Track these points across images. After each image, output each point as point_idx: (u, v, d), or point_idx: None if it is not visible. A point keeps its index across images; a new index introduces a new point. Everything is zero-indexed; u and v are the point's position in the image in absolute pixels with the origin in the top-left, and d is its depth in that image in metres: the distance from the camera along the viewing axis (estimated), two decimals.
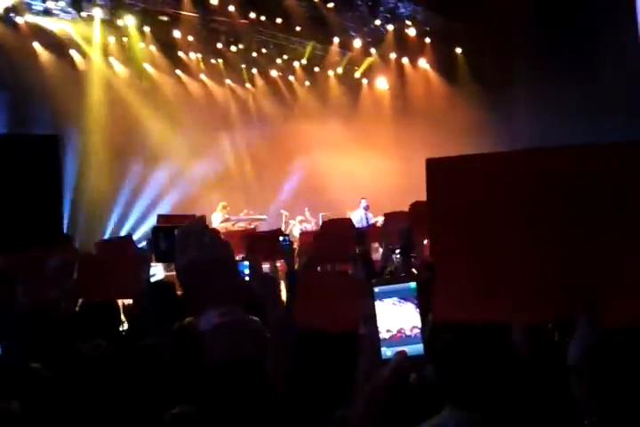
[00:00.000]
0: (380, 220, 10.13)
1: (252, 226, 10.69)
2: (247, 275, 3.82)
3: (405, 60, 14.59)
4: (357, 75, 14.77)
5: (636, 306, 1.46)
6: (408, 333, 1.68)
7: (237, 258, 3.93)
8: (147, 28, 12.21)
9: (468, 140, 12.13)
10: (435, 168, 1.51)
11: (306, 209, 11.96)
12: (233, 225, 10.82)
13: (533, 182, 1.43)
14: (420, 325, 1.63)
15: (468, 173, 1.50)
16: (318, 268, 5.07)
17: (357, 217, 10.75)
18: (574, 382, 1.48)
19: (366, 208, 11.00)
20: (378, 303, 1.70)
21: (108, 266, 3.90)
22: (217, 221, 10.90)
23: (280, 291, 3.37)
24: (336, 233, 5.79)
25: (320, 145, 13.08)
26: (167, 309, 3.15)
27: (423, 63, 14.58)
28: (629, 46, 12.92)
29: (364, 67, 14.55)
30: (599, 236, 1.44)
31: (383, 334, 1.66)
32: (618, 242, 1.43)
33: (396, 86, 14.57)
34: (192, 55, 13.09)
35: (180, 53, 12.93)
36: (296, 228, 11.08)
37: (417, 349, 1.68)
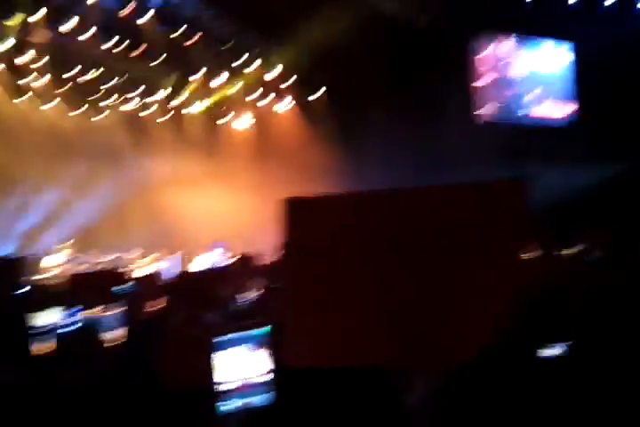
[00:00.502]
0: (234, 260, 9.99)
1: (99, 267, 10.10)
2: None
3: (267, 100, 14.77)
4: (215, 110, 14.58)
5: (471, 344, 1.48)
6: (258, 381, 1.60)
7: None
8: None
9: (325, 180, 12.47)
10: (292, 207, 1.52)
11: (159, 249, 11.48)
12: (77, 266, 10.15)
13: (385, 224, 1.48)
14: (269, 373, 1.55)
15: (324, 213, 1.54)
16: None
17: (211, 258, 10.53)
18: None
19: (219, 249, 10.80)
20: (227, 352, 1.60)
21: None
22: (60, 261, 10.17)
23: None
24: (193, 278, 5.61)
25: (177, 182, 12.74)
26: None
27: (283, 104, 14.84)
28: (467, 106, 14.19)
29: (215, 98, 14.35)
30: (434, 280, 1.46)
31: (227, 386, 1.57)
32: (450, 287, 1.45)
33: (256, 125, 14.68)
34: (40, 81, 12.26)
35: (27, 79, 12.07)
36: (148, 268, 10.56)
37: (265, 398, 1.59)
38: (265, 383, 1.56)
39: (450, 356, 1.47)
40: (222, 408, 1.55)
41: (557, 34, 14.78)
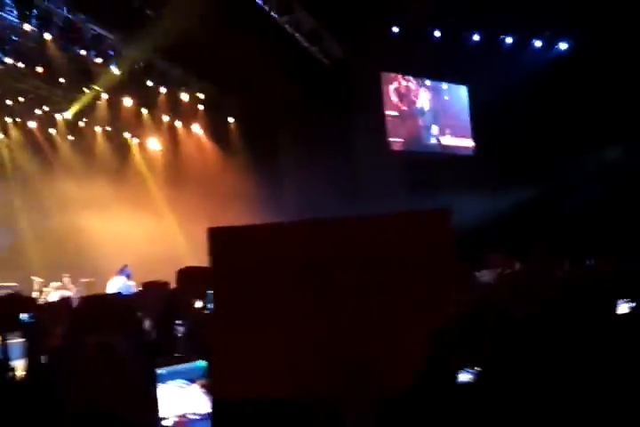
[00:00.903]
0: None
1: (3, 293, 9.32)
2: None
3: (178, 124, 14.53)
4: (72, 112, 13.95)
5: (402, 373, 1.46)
6: (194, 416, 1.55)
7: None
8: None
9: (239, 206, 12.35)
10: (216, 237, 1.49)
11: (65, 275, 10.82)
12: None
13: (310, 252, 1.48)
14: (207, 406, 1.51)
15: (248, 243, 1.52)
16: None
17: (119, 284, 10.06)
18: None
19: (128, 276, 10.35)
20: (162, 387, 1.53)
21: None
22: None
23: None
24: (98, 301, 5.27)
25: (83, 204, 12.15)
26: None
27: (196, 128, 14.67)
28: (378, 136, 14.70)
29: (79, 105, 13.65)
30: (365, 308, 1.50)
31: (167, 420, 1.51)
32: (381, 315, 1.49)
33: (169, 148, 14.39)
34: None
35: None
36: (52, 295, 9.91)
37: None
38: (202, 418, 1.53)
39: (383, 384, 1.47)
40: None
41: (454, 76, 15.76)
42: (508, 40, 15.09)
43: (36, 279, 10.57)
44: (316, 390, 1.52)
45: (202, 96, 14.13)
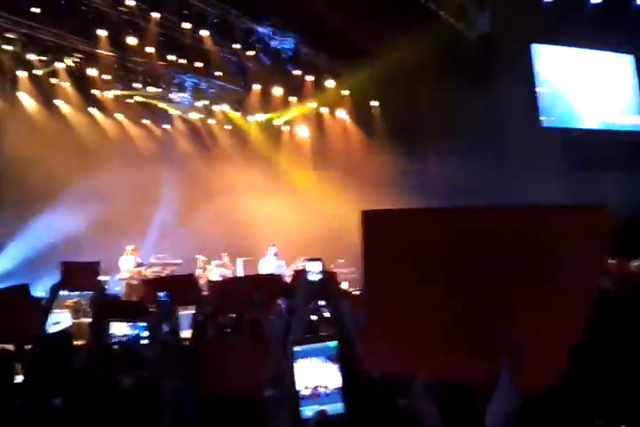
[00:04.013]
0: (299, 265, 10.02)
1: (167, 271, 10.27)
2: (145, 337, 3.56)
3: (325, 110, 14.89)
4: (280, 122, 14.86)
5: (545, 369, 1.44)
6: (328, 392, 1.64)
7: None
8: (60, 65, 11.80)
9: (385, 189, 12.40)
10: (370, 220, 1.50)
11: (224, 254, 11.60)
12: (146, 269, 10.34)
13: (466, 240, 1.45)
14: (340, 384, 1.60)
15: (402, 227, 1.52)
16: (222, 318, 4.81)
17: (269, 264, 10.58)
18: None
19: (275, 255, 10.85)
20: (298, 363, 1.64)
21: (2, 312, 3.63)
22: (129, 265, 10.37)
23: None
24: (244, 281, 5.61)
25: (240, 189, 12.91)
26: (60, 360, 2.99)
27: (342, 114, 14.93)
28: (531, 114, 13.94)
29: (286, 116, 14.66)
30: (520, 296, 1.42)
31: (303, 393, 1.61)
32: (536, 303, 1.42)
33: (316, 135, 14.79)
34: (108, 94, 12.73)
35: (95, 91, 12.55)
36: (213, 273, 10.70)
37: (337, 408, 1.64)
38: (336, 393, 1.63)
39: (522, 381, 1.44)
40: (299, 415, 1.63)
41: (617, 45, 14.43)
42: None
43: (200, 258, 11.40)
44: (455, 375, 1.54)
45: (345, 81, 14.32)
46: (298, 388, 1.59)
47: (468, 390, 1.87)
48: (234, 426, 2.56)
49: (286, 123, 14.89)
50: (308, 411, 1.62)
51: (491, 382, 1.43)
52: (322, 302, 4.92)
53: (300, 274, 7.34)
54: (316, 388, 1.62)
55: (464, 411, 2.03)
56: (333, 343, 1.68)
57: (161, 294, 5.18)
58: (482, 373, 1.45)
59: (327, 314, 4.70)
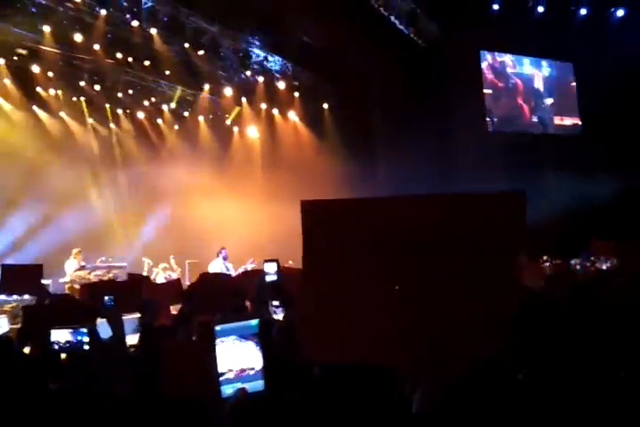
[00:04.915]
0: (248, 267, 10.00)
1: (111, 274, 10.06)
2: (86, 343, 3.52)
3: (275, 111, 14.88)
4: (228, 122, 14.78)
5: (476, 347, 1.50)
6: (248, 370, 1.70)
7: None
8: (1, 61, 11.39)
9: (335, 189, 12.48)
10: (308, 209, 1.57)
11: (171, 257, 11.46)
12: (89, 273, 10.10)
13: (399, 228, 1.51)
14: (260, 362, 1.66)
15: (337, 216, 1.59)
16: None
17: (218, 265, 10.52)
18: None
19: (225, 258, 10.80)
20: (219, 342, 1.71)
21: None
22: (71, 268, 10.11)
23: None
24: (216, 284, 5.61)
25: (188, 190, 12.77)
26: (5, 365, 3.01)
27: (292, 115, 14.95)
28: (476, 104, 14.32)
29: (233, 115, 14.60)
30: (448, 279, 1.50)
31: (224, 373, 1.67)
32: (463, 283, 1.51)
33: (266, 136, 14.77)
34: (51, 91, 12.36)
35: (39, 89, 12.18)
36: (160, 276, 10.56)
37: (257, 385, 1.70)
38: (256, 371, 1.69)
39: (457, 364, 1.50)
40: (221, 394, 1.68)
41: (559, 53, 14.99)
42: (619, 13, 14.15)
43: (147, 261, 11.24)
44: (394, 362, 1.59)
45: (297, 83, 14.35)
46: (219, 367, 1.65)
47: (396, 376, 1.95)
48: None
49: (236, 123, 14.80)
50: (228, 389, 1.66)
51: (419, 367, 1.50)
52: (275, 303, 4.97)
53: (249, 275, 7.34)
54: (236, 367, 1.68)
55: (391, 397, 2.10)
56: (254, 322, 1.73)
57: (106, 298, 5.09)
58: (411, 358, 1.51)
59: (279, 315, 4.75)
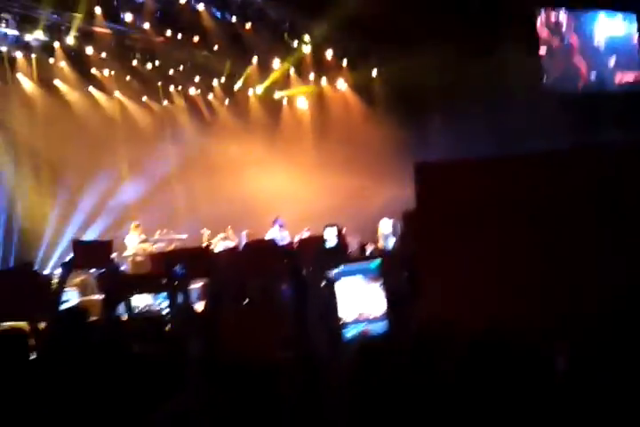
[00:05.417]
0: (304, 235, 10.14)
1: (173, 246, 10.39)
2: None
3: (324, 81, 14.78)
4: (280, 95, 14.78)
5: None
6: (370, 312, 1.69)
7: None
8: (57, 44, 11.73)
9: (385, 158, 12.40)
10: (421, 171, 1.54)
11: (228, 227, 11.74)
12: (152, 245, 10.47)
13: (516, 187, 1.43)
14: (383, 304, 1.63)
15: (453, 177, 1.52)
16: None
17: (274, 234, 10.70)
18: None
19: (281, 225, 10.97)
20: (342, 282, 1.71)
21: (14, 291, 3.75)
22: (134, 242, 10.50)
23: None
24: (263, 249, 5.71)
25: (241, 163, 12.94)
26: (78, 335, 3.08)
27: (341, 84, 14.82)
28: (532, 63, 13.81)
29: (274, 81, 14.48)
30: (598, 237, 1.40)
31: (347, 314, 1.67)
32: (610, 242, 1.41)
33: (316, 106, 14.71)
34: (105, 72, 12.68)
35: (93, 70, 12.51)
36: (219, 246, 10.83)
37: (380, 327, 1.68)
38: (379, 313, 1.67)
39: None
40: (345, 336, 1.68)
41: (619, 4, 14.21)
42: None
43: (205, 232, 11.54)
44: (516, 325, 1.55)
45: (344, 51, 14.17)
46: (340, 308, 1.63)
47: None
48: (250, 391, 2.69)
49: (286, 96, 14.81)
50: (351, 331, 1.65)
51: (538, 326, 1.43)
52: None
53: (307, 242, 7.47)
54: (359, 308, 1.65)
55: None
56: (374, 263, 1.71)
57: (177, 266, 5.32)
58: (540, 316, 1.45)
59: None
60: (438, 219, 1.55)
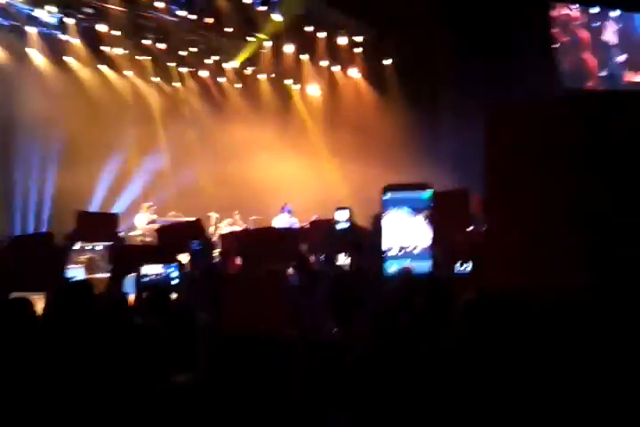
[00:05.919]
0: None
1: None
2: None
3: (336, 69, 14.65)
4: (288, 81, 14.68)
5: None
6: (416, 247, 1.58)
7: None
8: (70, 20, 11.64)
9: (395, 148, 12.33)
10: (492, 114, 1.44)
11: (236, 212, 11.68)
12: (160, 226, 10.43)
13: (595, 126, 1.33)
14: (428, 239, 1.52)
15: (525, 119, 1.43)
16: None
17: (282, 221, 10.66)
18: None
19: (289, 212, 10.93)
20: (388, 212, 1.57)
21: (24, 261, 3.74)
22: (142, 222, 10.49)
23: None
24: (280, 235, 5.67)
25: (251, 148, 12.84)
26: (84, 307, 3.02)
27: (354, 72, 14.70)
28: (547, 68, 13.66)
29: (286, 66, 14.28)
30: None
31: (390, 247, 1.54)
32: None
33: (327, 94, 14.61)
34: (117, 50, 12.58)
35: (105, 48, 12.41)
36: (225, 230, 10.80)
37: (424, 265, 1.56)
38: (423, 249, 1.56)
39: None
40: (386, 270, 1.59)
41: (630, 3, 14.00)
42: None
43: (213, 215, 11.48)
44: (573, 284, 1.46)
45: (359, 40, 14.03)
46: (384, 241, 1.52)
47: None
48: (251, 363, 2.64)
49: (297, 80, 14.65)
50: (392, 266, 1.54)
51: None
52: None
53: (317, 224, 7.39)
54: (403, 243, 1.55)
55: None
56: (427, 194, 1.58)
57: (194, 242, 5.32)
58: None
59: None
60: (510, 164, 1.45)
